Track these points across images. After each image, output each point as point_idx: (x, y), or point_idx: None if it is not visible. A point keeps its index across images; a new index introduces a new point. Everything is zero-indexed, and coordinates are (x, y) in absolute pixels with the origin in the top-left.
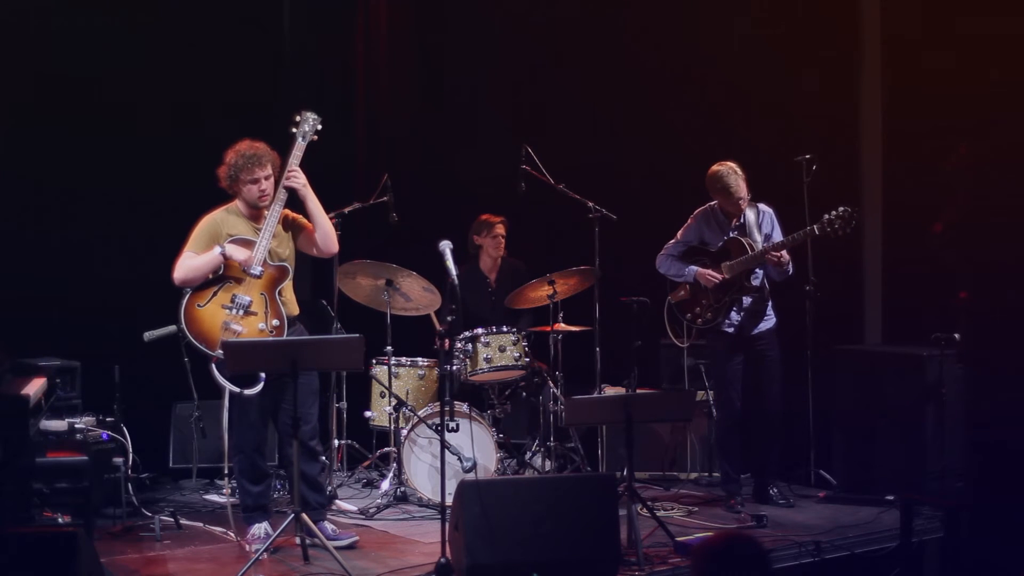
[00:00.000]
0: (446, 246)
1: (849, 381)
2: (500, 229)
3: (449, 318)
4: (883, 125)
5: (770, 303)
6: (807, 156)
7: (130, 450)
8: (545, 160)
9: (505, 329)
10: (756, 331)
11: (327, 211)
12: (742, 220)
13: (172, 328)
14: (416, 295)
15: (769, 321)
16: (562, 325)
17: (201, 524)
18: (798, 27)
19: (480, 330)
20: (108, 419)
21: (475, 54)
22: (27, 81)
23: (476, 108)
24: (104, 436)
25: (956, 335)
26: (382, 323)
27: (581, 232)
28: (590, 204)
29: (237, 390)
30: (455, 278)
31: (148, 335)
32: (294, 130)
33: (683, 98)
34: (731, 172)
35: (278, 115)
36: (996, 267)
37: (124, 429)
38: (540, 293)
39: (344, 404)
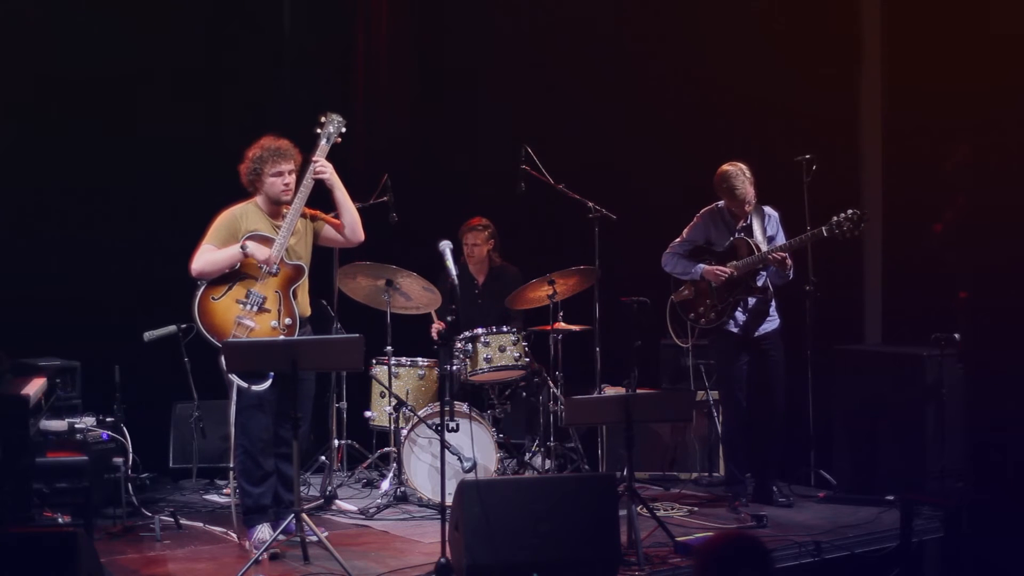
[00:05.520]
0: (446, 246)
1: (849, 381)
2: (473, 238)
3: (449, 318)
4: (883, 125)
5: (773, 304)
6: (807, 156)
7: (130, 450)
8: (545, 160)
9: (505, 329)
10: (760, 332)
11: (327, 211)
12: (748, 221)
13: (172, 328)
14: (416, 295)
15: (773, 322)
16: (562, 325)
17: (201, 524)
18: (798, 27)
19: (480, 330)
20: (108, 419)
21: (475, 54)
22: (27, 81)
23: (476, 108)
24: (104, 436)
25: (956, 335)
26: (382, 323)
27: (581, 232)
28: (590, 204)
29: (245, 385)
30: (455, 278)
31: (148, 335)
32: (319, 131)
33: (683, 98)
34: (739, 173)
35: (278, 115)
36: (996, 267)
37: (124, 429)
38: (540, 293)
39: (344, 404)
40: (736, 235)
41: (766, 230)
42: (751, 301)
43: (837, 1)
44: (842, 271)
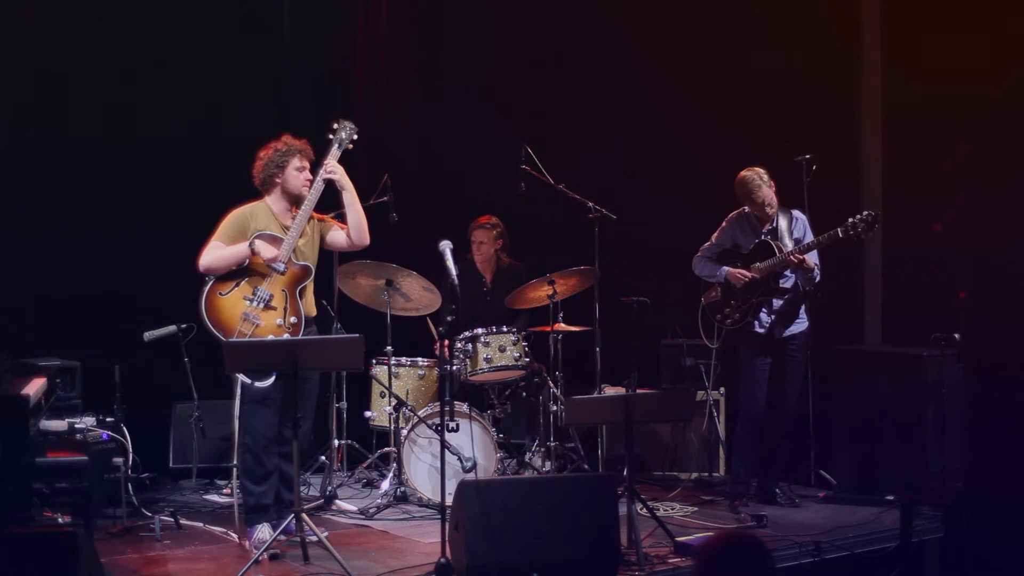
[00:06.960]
0: (446, 246)
1: (849, 381)
2: (481, 236)
3: (449, 318)
4: (883, 125)
5: (803, 306)
6: (807, 156)
7: (130, 450)
8: (545, 160)
9: (505, 329)
10: (787, 333)
11: (328, 211)
12: (774, 224)
13: (172, 328)
14: (416, 295)
15: (801, 324)
16: (562, 325)
17: (201, 524)
18: (798, 27)
19: (480, 330)
20: (108, 419)
21: (475, 54)
22: (27, 81)
23: (476, 108)
24: (104, 436)
25: (956, 335)
26: (382, 323)
27: (581, 232)
28: (590, 204)
29: (249, 381)
30: (455, 278)
31: (148, 335)
32: (331, 136)
33: (683, 98)
34: (755, 178)
35: (278, 115)
36: (996, 267)
37: (124, 429)
38: (540, 293)
39: (344, 404)
40: (761, 237)
41: (793, 232)
42: (776, 303)
43: (837, 2)
44: (842, 271)
